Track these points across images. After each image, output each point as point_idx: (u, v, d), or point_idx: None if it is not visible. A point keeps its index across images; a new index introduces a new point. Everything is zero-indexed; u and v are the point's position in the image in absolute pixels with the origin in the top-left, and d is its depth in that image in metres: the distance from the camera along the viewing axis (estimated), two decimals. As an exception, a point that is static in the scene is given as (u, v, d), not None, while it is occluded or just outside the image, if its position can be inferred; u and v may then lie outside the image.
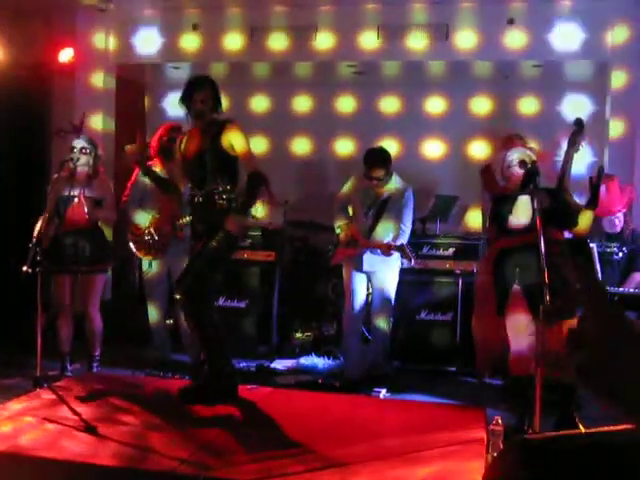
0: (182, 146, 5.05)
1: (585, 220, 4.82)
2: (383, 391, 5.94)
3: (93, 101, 8.22)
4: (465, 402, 5.71)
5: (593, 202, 4.79)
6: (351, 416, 4.70)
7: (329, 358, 6.92)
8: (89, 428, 4.19)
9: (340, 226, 6.32)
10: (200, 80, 5.03)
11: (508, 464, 3.44)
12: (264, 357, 6.97)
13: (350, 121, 8.63)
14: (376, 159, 6.15)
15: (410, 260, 6.01)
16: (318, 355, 6.95)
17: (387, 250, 6.01)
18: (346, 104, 8.64)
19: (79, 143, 5.96)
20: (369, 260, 6.16)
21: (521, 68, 7.87)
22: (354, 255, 6.17)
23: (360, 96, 8.58)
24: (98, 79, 8.33)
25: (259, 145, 8.66)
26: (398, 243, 6.02)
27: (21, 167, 7.85)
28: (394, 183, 6.24)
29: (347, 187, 6.42)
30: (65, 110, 7.87)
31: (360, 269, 6.20)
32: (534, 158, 4.96)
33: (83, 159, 5.94)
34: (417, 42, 7.54)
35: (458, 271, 6.82)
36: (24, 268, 5.05)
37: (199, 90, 4.91)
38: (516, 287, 4.85)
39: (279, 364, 6.86)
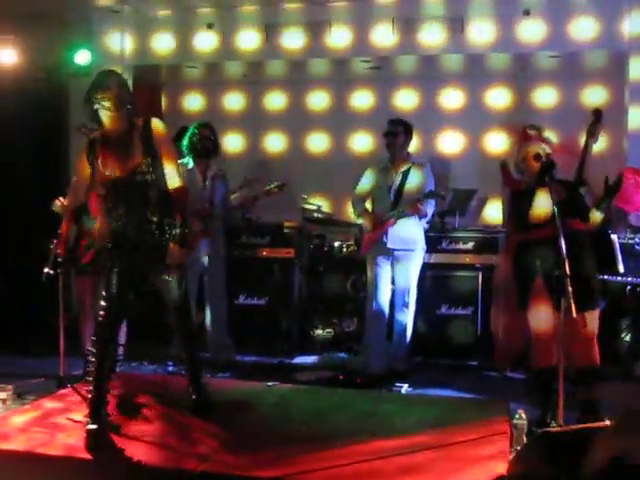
0: None
1: (594, 219, 4.76)
2: (405, 386, 5.94)
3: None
4: (487, 396, 5.69)
5: (604, 205, 4.72)
6: (373, 412, 4.70)
7: (349, 354, 6.92)
8: (113, 427, 4.22)
9: (360, 214, 6.37)
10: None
11: (532, 458, 3.46)
12: (284, 354, 6.98)
13: (366, 117, 8.60)
14: (395, 125, 6.35)
15: (444, 199, 6.05)
16: (339, 351, 6.96)
17: (415, 205, 6.04)
18: (362, 100, 8.61)
19: None
20: (393, 237, 6.17)
21: (538, 60, 7.81)
22: (381, 235, 6.17)
23: (376, 91, 8.56)
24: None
25: (276, 143, 8.69)
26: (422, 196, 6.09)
27: (39, 169, 7.88)
28: (411, 159, 6.36)
29: (364, 177, 6.46)
30: (83, 112, 7.88)
31: (385, 250, 6.19)
32: (548, 151, 4.92)
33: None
34: (432, 36, 7.50)
35: (478, 265, 6.79)
36: (46, 269, 5.08)
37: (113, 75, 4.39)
38: (538, 280, 4.81)
39: (300, 361, 6.87)
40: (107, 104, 4.13)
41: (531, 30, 7.26)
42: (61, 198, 5.19)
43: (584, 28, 7.11)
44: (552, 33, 7.21)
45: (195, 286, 6.40)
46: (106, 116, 4.19)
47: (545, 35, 7.24)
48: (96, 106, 4.17)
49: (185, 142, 6.39)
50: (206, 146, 6.37)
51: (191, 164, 6.38)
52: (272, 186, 6.70)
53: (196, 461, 3.74)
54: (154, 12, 8.18)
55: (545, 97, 8.10)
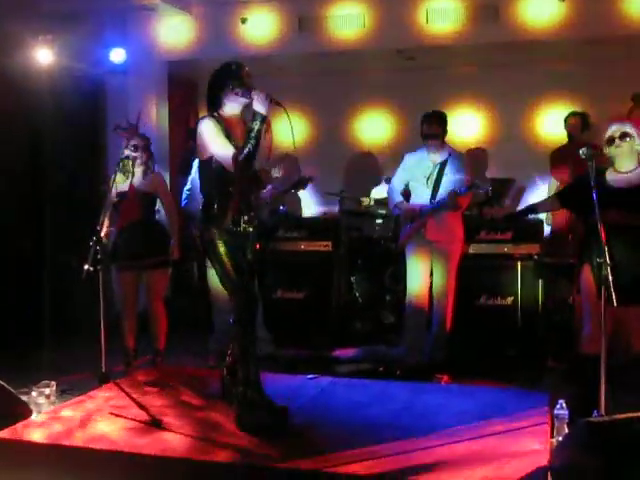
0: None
1: None
2: (445, 377, 5.92)
3: (146, 99, 8.33)
4: (528, 386, 5.65)
5: None
6: (413, 403, 4.69)
7: (389, 346, 6.92)
8: (155, 422, 4.26)
9: (397, 205, 6.35)
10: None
11: (574, 448, 3.42)
12: (324, 347, 7.00)
13: (401, 107, 8.58)
14: (432, 116, 6.24)
15: (486, 193, 6.01)
16: (378, 343, 6.96)
17: (453, 198, 5.99)
18: (398, 90, 8.59)
19: (135, 141, 6.04)
20: (432, 228, 6.14)
21: (571, 45, 7.70)
22: (419, 227, 6.15)
23: (412, 81, 8.52)
24: (150, 77, 8.45)
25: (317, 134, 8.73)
26: (463, 188, 6.01)
27: (78, 167, 8.00)
28: (447, 150, 6.27)
29: (401, 168, 6.42)
30: (119, 109, 7.99)
31: (424, 241, 6.17)
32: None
33: (139, 157, 6.03)
34: (465, 24, 7.46)
35: (517, 255, 6.73)
36: (86, 266, 5.14)
37: (244, 66, 4.50)
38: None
39: (339, 353, 6.88)
40: (241, 90, 4.35)
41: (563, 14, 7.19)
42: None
43: None
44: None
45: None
46: (238, 103, 4.42)
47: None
48: (228, 93, 4.38)
49: None
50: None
51: None
52: (305, 179, 6.68)
53: (237, 454, 3.77)
54: (188, 8, 8.24)
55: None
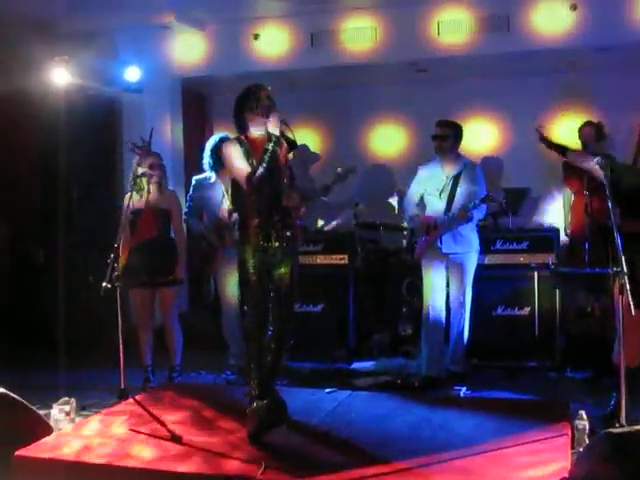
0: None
1: None
2: (463, 389, 5.90)
3: (161, 116, 8.39)
4: (547, 397, 5.62)
5: None
6: (431, 416, 4.68)
7: (407, 358, 6.90)
8: (174, 437, 4.27)
9: (412, 217, 6.36)
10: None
11: (595, 459, 3.40)
12: (342, 360, 6.99)
13: (415, 119, 8.59)
14: (445, 121, 6.31)
15: (501, 204, 5.99)
16: (396, 356, 6.95)
17: (464, 214, 6.00)
18: (411, 103, 8.60)
19: (151, 160, 6.09)
20: (447, 241, 6.14)
21: (583, 53, 7.69)
22: (434, 239, 6.14)
23: (425, 93, 8.52)
24: (164, 94, 8.51)
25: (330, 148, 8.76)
26: (477, 201, 6.01)
27: (93, 186, 8.06)
28: (462, 160, 6.28)
29: (415, 181, 6.43)
30: (135, 127, 8.04)
31: (440, 254, 6.16)
32: None
33: (154, 174, 6.08)
34: (477, 34, 7.48)
35: (533, 264, 6.70)
36: (104, 284, 5.18)
37: (264, 88, 4.66)
38: None
39: (357, 366, 6.87)
40: (261, 111, 4.52)
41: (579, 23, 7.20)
42: None
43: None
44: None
45: (236, 293, 6.50)
46: (261, 124, 4.55)
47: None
48: (250, 115, 4.54)
49: (208, 155, 6.42)
50: None
51: (214, 178, 6.43)
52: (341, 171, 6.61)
53: (256, 469, 3.77)
54: (201, 26, 8.30)
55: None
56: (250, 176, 4.40)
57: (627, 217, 4.56)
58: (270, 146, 4.42)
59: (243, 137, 4.59)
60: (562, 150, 5.43)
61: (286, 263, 4.58)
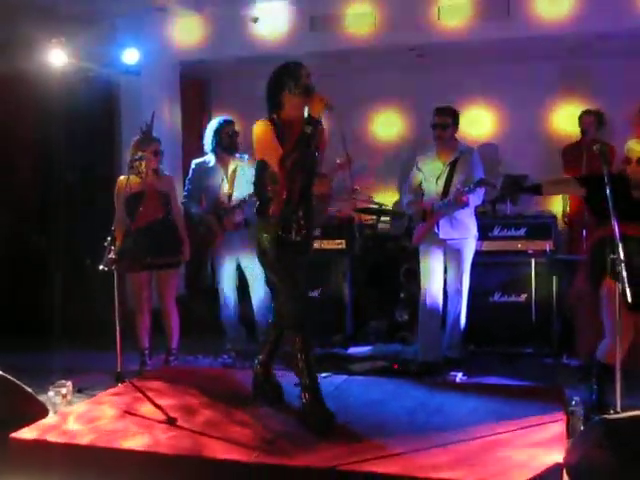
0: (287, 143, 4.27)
1: None
2: (459, 375, 5.92)
3: (159, 99, 8.35)
4: (543, 383, 5.64)
5: None
6: (428, 401, 4.69)
7: (403, 344, 6.92)
8: (170, 420, 4.28)
9: (409, 203, 6.36)
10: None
11: (589, 444, 3.41)
12: (338, 345, 7.00)
13: (415, 104, 8.57)
14: (443, 108, 6.26)
15: (495, 187, 5.99)
16: (392, 341, 6.97)
17: (460, 197, 5.98)
18: (411, 88, 8.57)
19: (154, 147, 6.08)
20: (444, 227, 6.14)
21: (584, 40, 7.64)
22: (431, 225, 6.14)
23: (425, 79, 8.49)
24: (163, 77, 8.47)
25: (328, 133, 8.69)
26: (472, 185, 5.97)
27: (91, 168, 8.04)
28: (459, 147, 6.28)
29: (414, 167, 6.43)
30: (132, 110, 8.03)
31: (437, 240, 6.16)
32: None
33: (154, 160, 6.06)
34: (477, 19, 7.43)
35: (531, 251, 6.71)
36: (100, 267, 5.18)
37: (303, 66, 4.39)
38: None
39: (354, 351, 6.88)
40: (299, 91, 4.25)
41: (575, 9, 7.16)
42: None
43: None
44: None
45: (233, 278, 6.53)
46: (298, 105, 4.29)
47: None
48: (287, 94, 4.29)
49: (210, 138, 6.41)
50: (231, 143, 6.42)
51: (213, 161, 6.43)
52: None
53: (253, 453, 3.78)
54: (200, 9, 8.25)
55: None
56: (283, 159, 4.16)
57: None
58: (309, 129, 4.12)
59: (276, 117, 4.31)
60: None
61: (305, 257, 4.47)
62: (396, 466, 3.51)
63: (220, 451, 3.81)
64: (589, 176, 5.13)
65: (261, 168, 4.35)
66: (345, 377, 5.40)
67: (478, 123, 8.46)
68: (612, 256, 4.02)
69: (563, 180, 5.75)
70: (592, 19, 7.15)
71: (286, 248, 4.31)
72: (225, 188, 6.41)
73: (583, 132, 7.40)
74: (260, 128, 4.28)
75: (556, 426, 4.03)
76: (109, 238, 5.26)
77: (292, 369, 4.37)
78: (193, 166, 6.58)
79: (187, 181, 6.63)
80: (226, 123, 6.42)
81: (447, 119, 6.19)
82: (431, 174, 6.24)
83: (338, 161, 5.84)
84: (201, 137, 6.62)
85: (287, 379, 4.68)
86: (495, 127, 8.58)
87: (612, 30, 7.22)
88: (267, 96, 4.39)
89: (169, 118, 8.53)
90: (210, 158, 6.46)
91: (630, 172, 4.52)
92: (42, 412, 4.39)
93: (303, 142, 4.14)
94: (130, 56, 7.66)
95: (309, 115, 4.22)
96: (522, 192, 5.62)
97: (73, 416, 4.42)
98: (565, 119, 8.17)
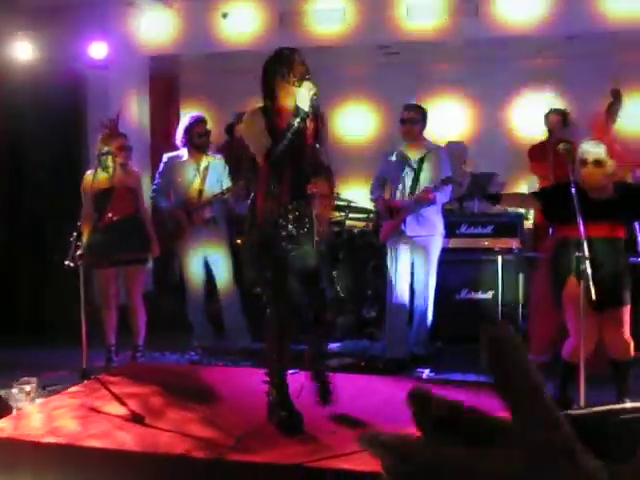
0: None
1: None
2: (426, 371, 5.94)
3: (127, 93, 8.29)
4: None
5: None
6: (395, 397, 4.70)
7: (371, 340, 6.94)
8: (137, 418, 4.25)
9: (375, 199, 6.38)
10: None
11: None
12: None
13: (383, 102, 8.59)
14: (412, 105, 6.28)
15: (461, 185, 5.99)
16: (360, 338, 6.98)
17: (427, 195, 6.00)
18: (380, 86, 8.60)
19: (119, 142, 6.03)
20: (411, 224, 6.16)
21: (552, 41, 7.72)
22: (398, 222, 6.16)
23: (394, 77, 8.52)
24: (131, 72, 8.40)
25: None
26: (438, 182, 6.00)
27: (57, 163, 7.94)
28: (427, 145, 6.30)
29: (382, 164, 6.45)
30: (100, 104, 7.95)
31: (404, 236, 6.18)
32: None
33: (120, 156, 6.01)
34: (446, 19, 7.47)
35: (497, 249, 6.76)
36: (66, 262, 5.13)
37: (297, 52, 4.19)
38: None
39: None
40: (293, 79, 4.03)
41: (548, 10, 7.22)
42: None
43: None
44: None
45: (201, 273, 6.53)
46: (290, 90, 4.07)
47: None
48: (280, 82, 4.07)
49: (181, 135, 6.39)
50: (202, 142, 6.40)
51: (186, 156, 6.41)
52: None
53: (220, 450, 3.77)
54: (169, 2, 8.19)
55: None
56: (268, 153, 3.99)
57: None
58: (295, 122, 3.95)
59: (270, 107, 4.11)
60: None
61: (305, 247, 4.24)
62: (363, 463, 3.52)
63: (186, 448, 3.80)
64: (543, 191, 5.17)
65: (251, 160, 4.21)
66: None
67: (447, 121, 8.50)
68: (577, 254, 4.07)
69: (520, 195, 5.81)
70: (559, 21, 7.22)
71: (279, 245, 4.13)
72: (196, 183, 6.38)
73: (549, 131, 7.47)
74: (248, 117, 4.15)
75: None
76: (75, 234, 5.22)
77: (264, 365, 4.34)
78: (165, 160, 6.54)
79: (157, 174, 6.58)
80: (197, 122, 6.39)
81: (416, 115, 6.21)
82: (399, 171, 6.26)
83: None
84: (169, 132, 6.59)
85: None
86: (463, 125, 8.64)
87: (578, 32, 7.31)
88: (261, 83, 4.17)
89: (137, 113, 8.47)
90: (183, 153, 6.43)
91: (586, 174, 4.54)
92: (5, 409, 4.35)
93: (290, 135, 3.96)
94: (98, 50, 7.58)
95: (296, 106, 4.07)
96: (483, 199, 5.68)
97: (36, 414, 4.38)
98: (532, 118, 8.24)
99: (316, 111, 4.06)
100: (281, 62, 4.10)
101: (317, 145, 4.16)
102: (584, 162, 4.54)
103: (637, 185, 4.95)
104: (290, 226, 4.12)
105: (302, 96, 4.02)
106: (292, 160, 4.04)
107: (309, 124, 4.09)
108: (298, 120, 4.00)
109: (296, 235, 4.16)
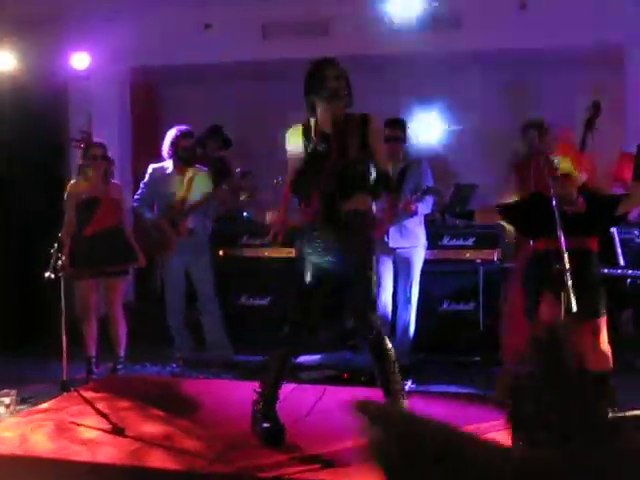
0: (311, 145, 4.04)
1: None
2: (408, 383, 5.93)
3: (109, 105, 8.27)
4: (491, 391, 5.69)
5: None
6: (377, 409, 4.69)
7: (353, 352, 6.92)
8: (117, 430, 4.23)
9: None
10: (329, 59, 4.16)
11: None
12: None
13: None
14: (394, 121, 6.27)
15: (442, 195, 6.01)
16: (342, 349, 6.97)
17: (408, 207, 6.01)
18: (362, 97, 8.58)
19: (94, 151, 6.00)
20: (394, 235, 6.17)
21: (530, 54, 7.78)
22: (381, 234, 6.16)
23: (376, 88, 8.52)
24: (112, 82, 8.38)
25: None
26: (419, 193, 6.00)
27: (39, 173, 7.89)
28: (408, 156, 6.35)
29: None
30: (82, 114, 7.90)
31: (386, 248, 6.17)
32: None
33: (98, 166, 5.99)
34: (429, 32, 7.50)
35: (479, 260, 6.79)
36: (47, 273, 5.10)
37: (332, 65, 4.08)
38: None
39: (303, 360, 6.86)
40: (327, 94, 3.93)
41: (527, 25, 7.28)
42: None
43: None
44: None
45: (182, 284, 6.51)
46: (330, 106, 3.98)
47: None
48: (315, 97, 4.00)
49: (167, 146, 6.37)
50: (188, 157, 6.39)
51: (171, 168, 6.39)
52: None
53: (202, 462, 3.75)
54: (152, 13, 8.18)
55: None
56: (293, 180, 3.95)
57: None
58: (322, 147, 3.88)
59: (312, 121, 4.04)
60: None
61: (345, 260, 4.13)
62: (344, 476, 3.51)
63: (167, 461, 3.78)
64: (504, 207, 5.19)
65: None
66: (294, 386, 5.39)
67: (428, 133, 8.53)
68: (557, 266, 4.09)
69: (491, 210, 5.79)
70: (536, 35, 7.27)
71: (316, 251, 4.10)
72: (180, 194, 6.35)
73: (527, 144, 7.50)
74: (287, 131, 4.12)
75: (503, 435, 4.06)
76: (56, 245, 5.19)
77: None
78: (150, 170, 6.51)
79: (142, 184, 6.55)
80: (183, 136, 6.36)
81: (399, 132, 6.24)
82: None
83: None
84: (151, 143, 6.57)
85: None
86: (445, 137, 8.66)
87: (554, 46, 7.38)
88: (304, 98, 4.09)
89: (118, 124, 8.43)
90: (169, 164, 6.41)
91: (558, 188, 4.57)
92: (-16, 422, 4.30)
93: (312, 160, 3.89)
94: (80, 60, 7.56)
95: (333, 121, 3.96)
96: (459, 216, 5.74)
97: (16, 426, 4.34)
98: (512, 130, 8.28)
99: (341, 130, 3.95)
100: (314, 76, 4.02)
101: (361, 158, 4.00)
102: (555, 176, 4.59)
103: (605, 195, 4.96)
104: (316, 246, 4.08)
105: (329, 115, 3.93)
106: (318, 187, 3.91)
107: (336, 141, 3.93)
108: (324, 146, 3.90)
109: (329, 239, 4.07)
